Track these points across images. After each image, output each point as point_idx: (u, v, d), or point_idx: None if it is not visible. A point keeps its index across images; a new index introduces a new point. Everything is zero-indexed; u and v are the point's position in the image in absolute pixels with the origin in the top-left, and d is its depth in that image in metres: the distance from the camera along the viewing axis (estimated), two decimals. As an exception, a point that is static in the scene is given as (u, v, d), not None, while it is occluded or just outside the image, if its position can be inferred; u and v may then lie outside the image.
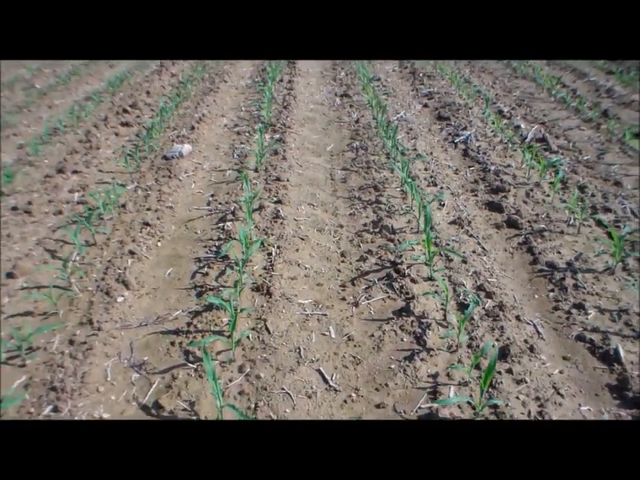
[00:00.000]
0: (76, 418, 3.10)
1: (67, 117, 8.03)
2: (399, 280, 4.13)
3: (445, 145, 6.75)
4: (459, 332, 3.49)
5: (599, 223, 4.92)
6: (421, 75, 9.76)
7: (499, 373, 3.29)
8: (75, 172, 6.28)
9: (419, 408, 3.10)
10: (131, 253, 4.66)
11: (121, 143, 7.18)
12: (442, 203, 5.26)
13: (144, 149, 6.69)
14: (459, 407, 3.09)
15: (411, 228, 4.88)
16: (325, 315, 3.86)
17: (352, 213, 5.21)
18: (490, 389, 3.17)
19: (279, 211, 5.13)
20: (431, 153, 6.47)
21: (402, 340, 3.60)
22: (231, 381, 3.33)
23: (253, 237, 4.77)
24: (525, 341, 3.56)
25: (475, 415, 3.03)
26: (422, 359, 3.41)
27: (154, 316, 3.94)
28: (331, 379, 3.32)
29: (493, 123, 7.20)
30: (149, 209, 5.34)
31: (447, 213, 5.14)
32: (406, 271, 4.22)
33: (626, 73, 9.60)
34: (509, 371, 3.31)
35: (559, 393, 3.16)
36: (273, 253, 4.55)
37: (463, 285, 4.08)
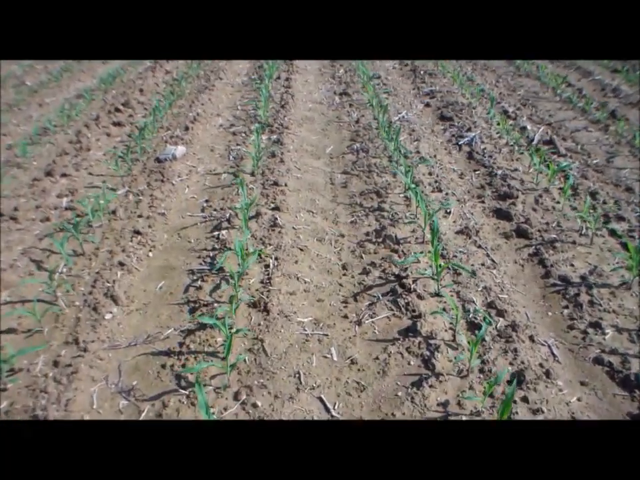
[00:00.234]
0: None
1: (58, 116, 7.75)
2: (404, 296, 3.90)
3: (449, 147, 6.51)
4: (470, 355, 3.26)
5: (613, 233, 4.69)
6: (422, 72, 9.50)
7: (514, 402, 3.06)
8: (64, 175, 6.03)
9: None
10: (121, 264, 4.42)
11: (112, 143, 6.91)
12: (448, 211, 5.01)
13: (136, 150, 6.42)
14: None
15: (416, 238, 4.64)
16: (326, 335, 3.62)
17: (353, 220, 4.97)
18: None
19: (276, 218, 4.88)
20: (435, 156, 6.23)
21: (409, 363, 3.37)
22: (225, 409, 3.10)
23: (249, 247, 4.52)
24: (540, 365, 3.33)
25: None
26: (431, 385, 3.18)
27: (144, 335, 3.70)
28: (334, 408, 3.09)
29: (498, 124, 6.96)
30: (140, 216, 5.09)
31: (454, 222, 4.90)
32: (412, 286, 3.99)
33: (632, 72, 9.35)
34: (525, 399, 3.08)
35: (579, 425, 2.94)
36: (271, 265, 4.31)
37: (473, 301, 3.85)
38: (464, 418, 2.99)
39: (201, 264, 4.45)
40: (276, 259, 4.37)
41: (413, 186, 4.98)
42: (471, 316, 3.71)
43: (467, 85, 8.65)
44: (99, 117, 7.59)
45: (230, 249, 4.47)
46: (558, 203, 5.23)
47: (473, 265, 4.27)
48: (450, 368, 3.32)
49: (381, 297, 3.94)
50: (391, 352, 3.45)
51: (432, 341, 3.49)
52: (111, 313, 3.89)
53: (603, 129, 6.98)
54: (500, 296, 3.91)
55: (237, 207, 4.97)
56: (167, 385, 3.27)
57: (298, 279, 4.16)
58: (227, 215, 5.01)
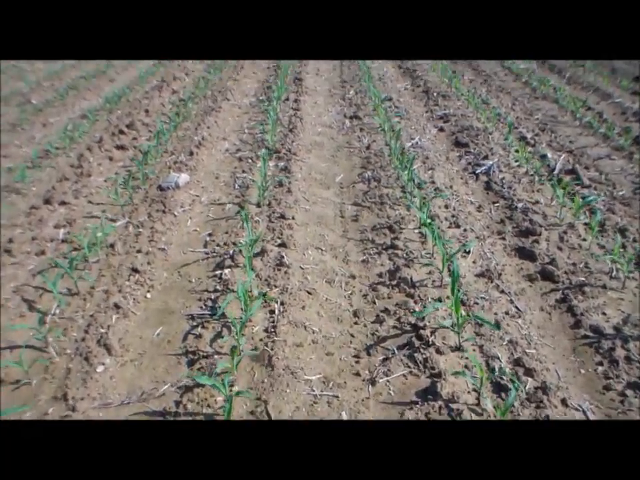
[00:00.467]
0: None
1: (60, 137, 7.50)
2: (422, 350, 3.57)
3: (465, 177, 6.18)
4: (497, 425, 2.92)
5: (646, 276, 4.35)
6: (435, 94, 9.20)
7: None
8: (62, 203, 5.77)
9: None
10: (117, 306, 4.13)
11: (115, 168, 6.65)
12: (467, 250, 4.68)
13: (138, 176, 6.15)
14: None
15: (433, 281, 4.32)
16: (337, 396, 3.29)
17: (365, 259, 4.65)
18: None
19: (283, 256, 4.57)
20: (451, 187, 5.91)
21: (428, 433, 3.03)
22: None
23: (253, 289, 4.22)
24: (576, 436, 2.98)
25: None
26: (453, 461, 2.84)
27: (138, 391, 3.39)
28: None
29: (517, 151, 6.63)
30: (139, 251, 4.80)
31: (473, 262, 4.57)
32: (430, 338, 3.66)
33: (653, 94, 9.03)
34: None
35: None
36: (276, 311, 3.99)
37: (498, 358, 3.51)
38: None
39: (201, 307, 4.14)
40: (282, 303, 4.06)
41: (429, 221, 4.67)
42: (496, 374, 3.37)
43: (482, 107, 8.34)
44: (102, 139, 7.34)
45: (233, 291, 4.17)
46: (584, 240, 4.90)
47: (496, 314, 3.94)
48: (474, 439, 2.98)
49: (396, 351, 3.61)
50: (408, 418, 3.11)
51: (454, 405, 3.15)
52: (103, 364, 3.59)
53: (627, 156, 6.65)
54: (527, 351, 3.58)
55: (241, 245, 4.68)
56: (160, 453, 2.95)
57: (305, 327, 3.84)
58: (231, 252, 4.72)
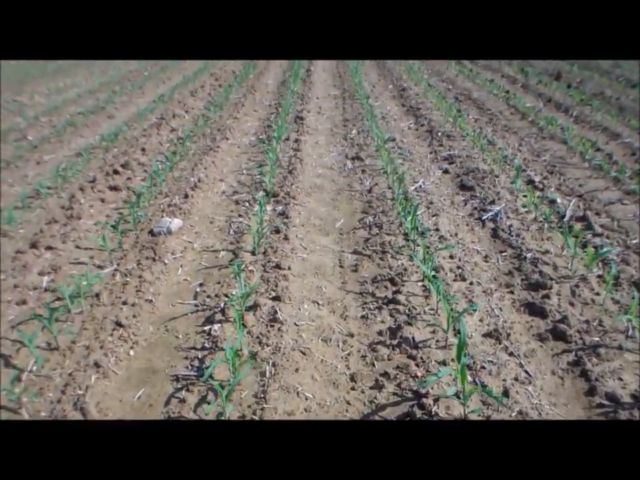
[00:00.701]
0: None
1: (53, 176, 7.29)
2: (424, 423, 3.25)
3: (471, 223, 5.91)
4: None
5: (666, 337, 4.04)
6: (439, 134, 8.99)
7: None
8: (49, 248, 5.52)
9: None
10: (97, 365, 3.85)
11: (106, 211, 6.43)
12: (474, 308, 4.39)
13: (129, 219, 5.90)
14: None
15: (437, 341, 4.01)
16: (330, 478, 2.97)
17: (364, 315, 4.35)
18: None
19: (276, 311, 4.29)
20: (456, 234, 5.63)
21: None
22: None
23: (244, 347, 3.92)
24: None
25: None
26: None
27: (111, 467, 3.07)
28: None
29: (525, 196, 6.38)
30: (125, 303, 4.52)
31: (480, 320, 4.26)
32: (432, 408, 3.35)
33: (662, 135, 8.81)
34: None
35: None
36: (267, 374, 3.69)
37: (507, 434, 3.19)
38: None
39: (187, 367, 3.85)
40: (273, 364, 3.76)
41: (433, 273, 4.39)
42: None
43: (488, 148, 8.11)
44: (95, 179, 7.15)
45: (222, 349, 3.90)
46: (597, 294, 4.60)
47: (504, 380, 3.62)
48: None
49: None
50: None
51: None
52: (75, 434, 3.28)
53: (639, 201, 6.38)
54: (540, 425, 3.25)
55: (234, 296, 4.41)
56: None
57: (298, 394, 3.53)
58: (222, 305, 4.44)
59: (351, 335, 4.12)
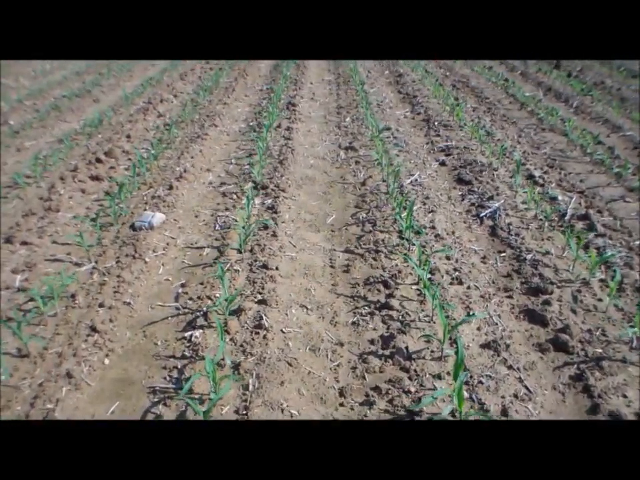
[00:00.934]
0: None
1: (33, 165, 6.95)
2: (417, 446, 3.01)
3: (469, 220, 5.65)
4: None
5: (673, 349, 3.81)
6: (436, 123, 8.70)
7: None
8: (24, 243, 5.23)
9: None
10: (69, 375, 3.60)
11: (87, 202, 6.13)
12: (471, 313, 4.14)
13: (110, 212, 5.60)
14: None
15: (432, 351, 3.77)
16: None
17: (355, 321, 4.10)
18: None
19: (262, 317, 4.03)
20: (453, 232, 5.37)
21: None
22: None
23: (226, 357, 3.68)
24: None
25: None
26: None
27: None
28: None
29: (525, 192, 6.11)
30: (101, 305, 4.26)
31: (478, 329, 4.02)
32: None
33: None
34: None
35: None
36: (250, 387, 3.45)
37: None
38: None
39: (165, 378, 3.60)
40: (257, 377, 3.51)
41: (429, 276, 4.13)
42: None
43: (486, 140, 7.81)
44: (76, 168, 6.83)
45: (203, 358, 3.64)
46: (600, 300, 4.37)
47: (503, 397, 3.39)
48: None
49: (387, 446, 3.06)
50: None
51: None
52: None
53: (643, 198, 6.14)
54: (542, 450, 3.03)
55: (217, 298, 4.16)
56: None
57: (283, 410, 3.29)
58: (204, 308, 4.18)
59: (341, 344, 3.87)
